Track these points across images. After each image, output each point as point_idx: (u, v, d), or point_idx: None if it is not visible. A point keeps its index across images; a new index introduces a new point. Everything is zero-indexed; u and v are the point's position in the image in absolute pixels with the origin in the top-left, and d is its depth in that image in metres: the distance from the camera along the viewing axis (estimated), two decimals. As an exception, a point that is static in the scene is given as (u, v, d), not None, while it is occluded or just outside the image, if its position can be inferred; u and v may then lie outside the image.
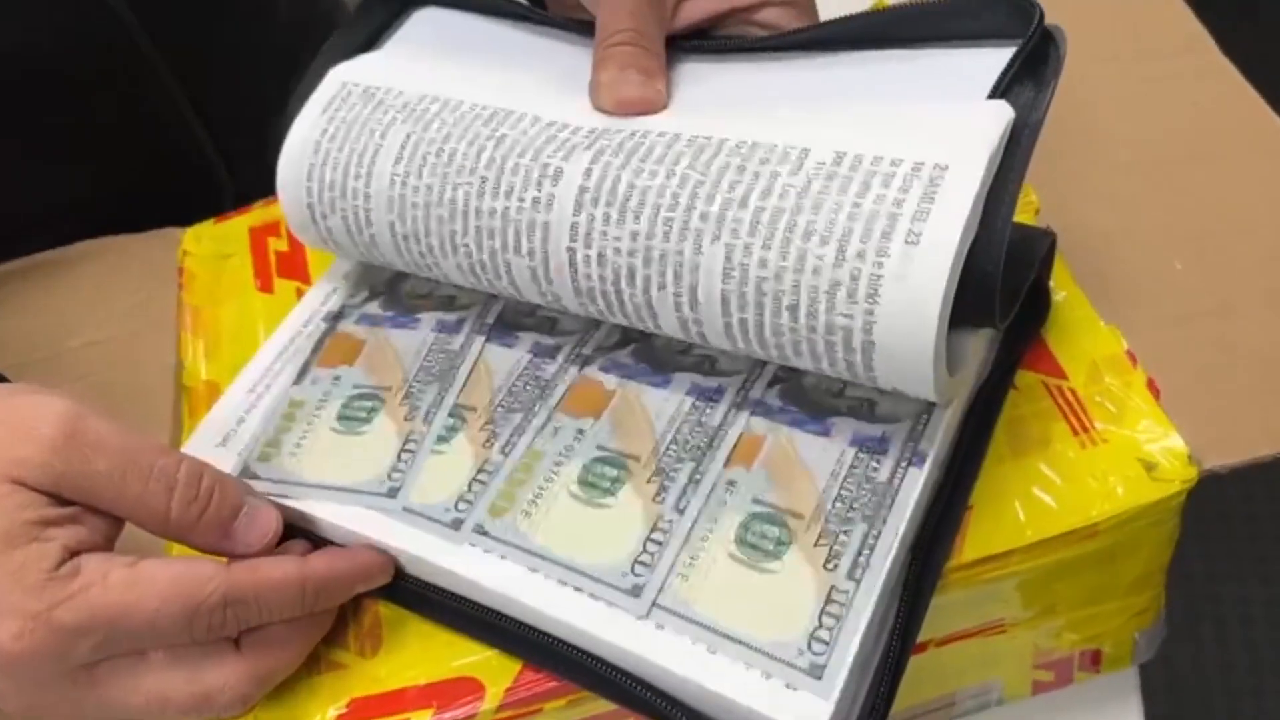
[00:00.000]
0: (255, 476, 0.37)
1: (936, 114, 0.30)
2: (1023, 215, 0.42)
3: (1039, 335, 0.38)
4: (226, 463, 0.38)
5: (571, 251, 0.34)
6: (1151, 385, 0.36)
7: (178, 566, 0.31)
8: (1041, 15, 0.31)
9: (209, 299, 0.47)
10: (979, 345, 0.34)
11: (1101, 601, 0.38)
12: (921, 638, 0.36)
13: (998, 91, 0.31)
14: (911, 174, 0.29)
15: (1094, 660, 0.40)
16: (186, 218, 0.51)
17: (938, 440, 0.33)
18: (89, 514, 0.31)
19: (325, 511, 0.36)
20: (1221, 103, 0.47)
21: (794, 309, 0.30)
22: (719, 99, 0.35)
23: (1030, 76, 0.31)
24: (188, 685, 0.32)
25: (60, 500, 0.31)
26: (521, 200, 0.34)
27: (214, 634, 0.31)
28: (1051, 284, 0.39)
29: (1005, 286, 0.30)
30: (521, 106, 0.36)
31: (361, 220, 0.38)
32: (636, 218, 0.32)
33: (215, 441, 0.39)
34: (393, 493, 0.36)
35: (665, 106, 0.36)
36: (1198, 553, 1.12)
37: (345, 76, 0.40)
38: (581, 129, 0.35)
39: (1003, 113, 0.30)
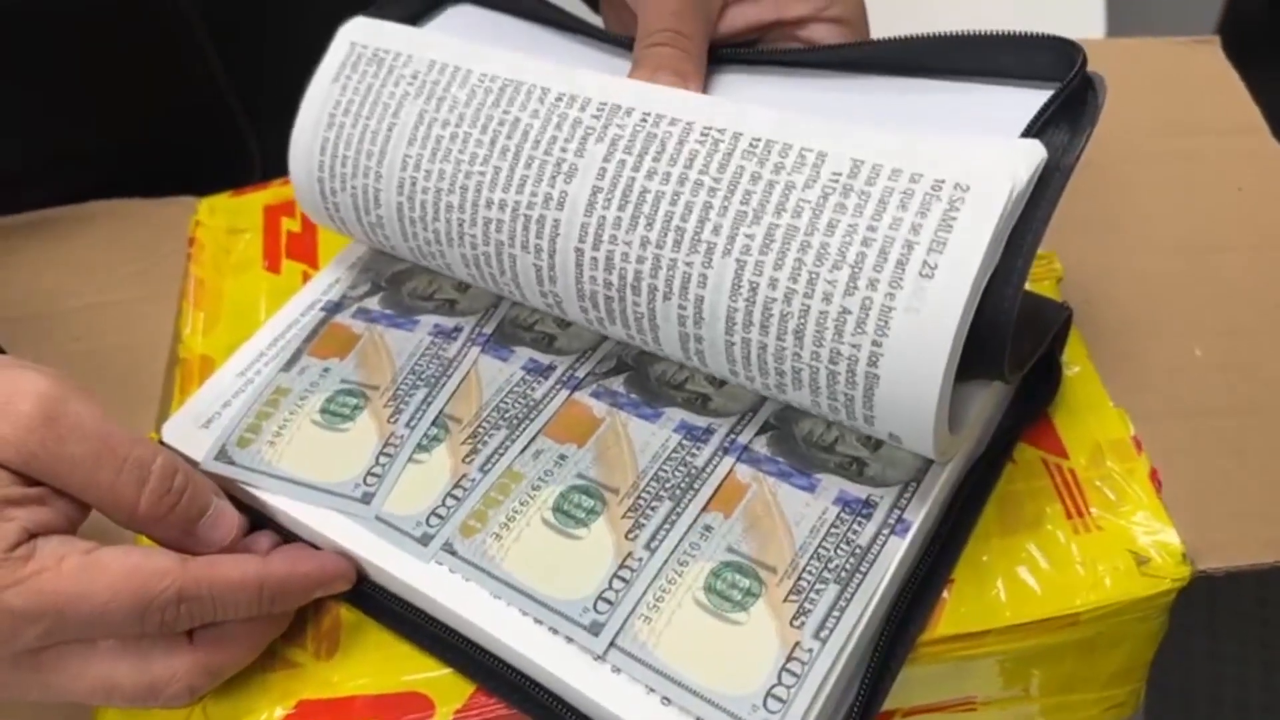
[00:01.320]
0: (231, 461, 0.37)
1: (965, 142, 0.29)
2: (1045, 284, 0.41)
3: (1045, 410, 0.37)
4: (206, 445, 0.37)
5: (579, 252, 0.33)
6: (1154, 475, 0.35)
7: (134, 558, 0.30)
8: (1084, 60, 0.30)
9: (215, 272, 0.47)
10: (982, 408, 0.33)
11: (1078, 691, 0.37)
12: (888, 706, 0.35)
13: (1032, 131, 0.30)
14: (931, 194, 0.28)
15: (1065, 747, 0.39)
16: (211, 185, 0.50)
17: (924, 511, 0.32)
18: (56, 497, 0.31)
19: (295, 509, 0.35)
20: (1267, 189, 0.45)
21: (800, 333, 0.29)
22: None
23: (1066, 120, 0.30)
24: (136, 674, 0.31)
25: (28, 480, 0.30)
26: (534, 195, 0.34)
27: (166, 629, 0.31)
28: (1065, 358, 0.38)
29: (1015, 342, 0.29)
30: (530, 78, 0.35)
31: (370, 200, 0.37)
32: (649, 224, 0.32)
33: (199, 423, 0.38)
34: (366, 498, 0.35)
35: None
36: (1202, 626, 1.10)
37: (353, 37, 0.39)
38: (591, 102, 0.34)
39: (1034, 151, 0.29)
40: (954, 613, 0.33)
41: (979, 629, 0.33)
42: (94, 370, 0.44)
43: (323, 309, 0.41)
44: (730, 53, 0.37)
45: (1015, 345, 0.29)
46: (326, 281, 0.42)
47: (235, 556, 0.33)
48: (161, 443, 0.38)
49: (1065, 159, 0.29)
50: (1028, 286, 0.40)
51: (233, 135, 0.58)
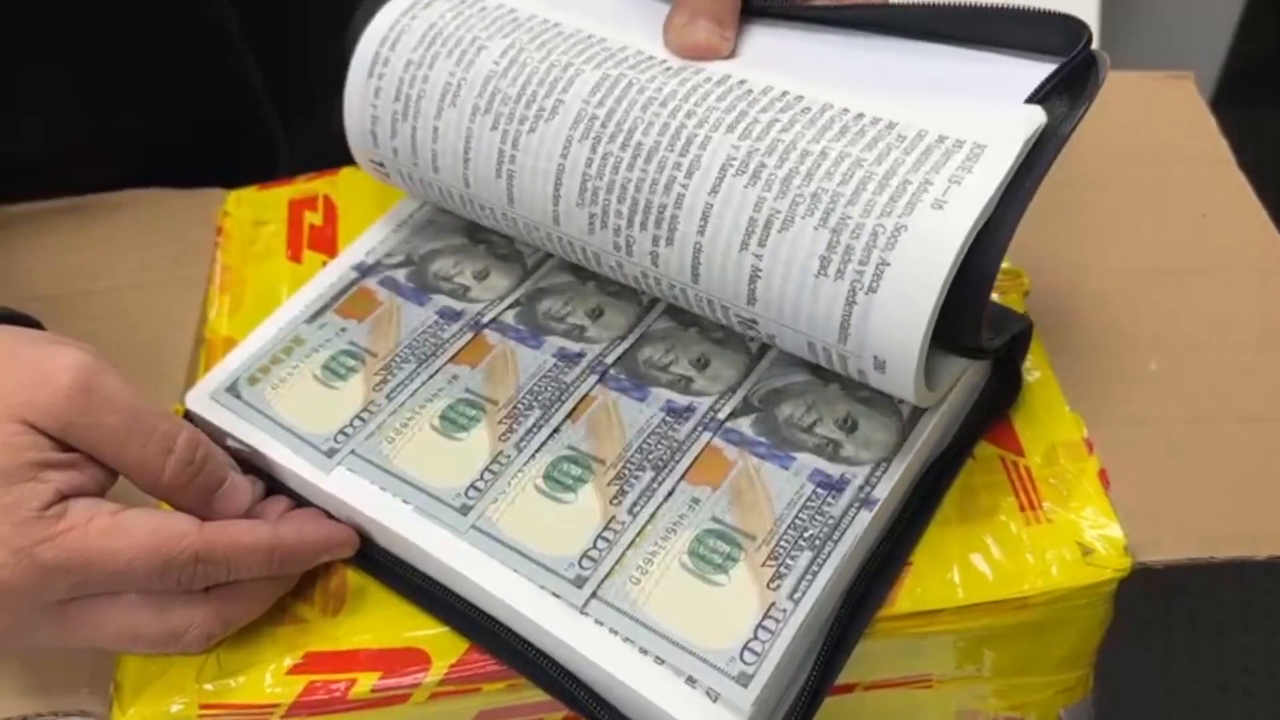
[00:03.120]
0: (238, 396, 0.40)
1: (975, 106, 0.32)
2: (1012, 296, 0.44)
3: (1005, 412, 0.40)
4: (225, 410, 0.40)
5: (586, 177, 0.36)
6: (1103, 475, 0.38)
7: (156, 520, 0.33)
8: (1090, 37, 0.33)
9: (240, 260, 0.50)
10: (954, 375, 0.36)
11: (1029, 673, 0.39)
12: (850, 680, 0.38)
13: (1036, 98, 0.32)
14: (952, 148, 0.31)
15: (1018, 729, 0.42)
16: (239, 178, 0.53)
17: (890, 488, 0.35)
18: (88, 463, 0.33)
19: (282, 456, 0.38)
20: (1229, 218, 0.48)
21: (812, 247, 0.32)
22: (775, 66, 0.37)
23: (1068, 92, 0.33)
24: (156, 623, 0.34)
25: (64, 446, 0.33)
26: (536, 120, 0.37)
27: (183, 585, 0.33)
28: (1027, 365, 0.41)
29: (980, 321, 0.32)
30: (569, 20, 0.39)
31: (412, 126, 0.41)
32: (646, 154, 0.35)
33: (226, 386, 0.41)
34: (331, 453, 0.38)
35: (730, 54, 0.37)
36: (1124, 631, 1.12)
37: None
38: (628, 48, 0.37)
39: (1035, 116, 0.32)
40: (911, 592, 0.36)
41: (934, 607, 0.36)
42: (123, 347, 0.46)
43: (354, 268, 0.44)
44: (760, 6, 0.39)
45: (983, 324, 0.32)
46: (358, 252, 0.45)
47: (249, 522, 0.36)
48: (187, 415, 0.41)
49: (1063, 128, 0.32)
50: (995, 298, 0.43)
51: (262, 132, 0.61)
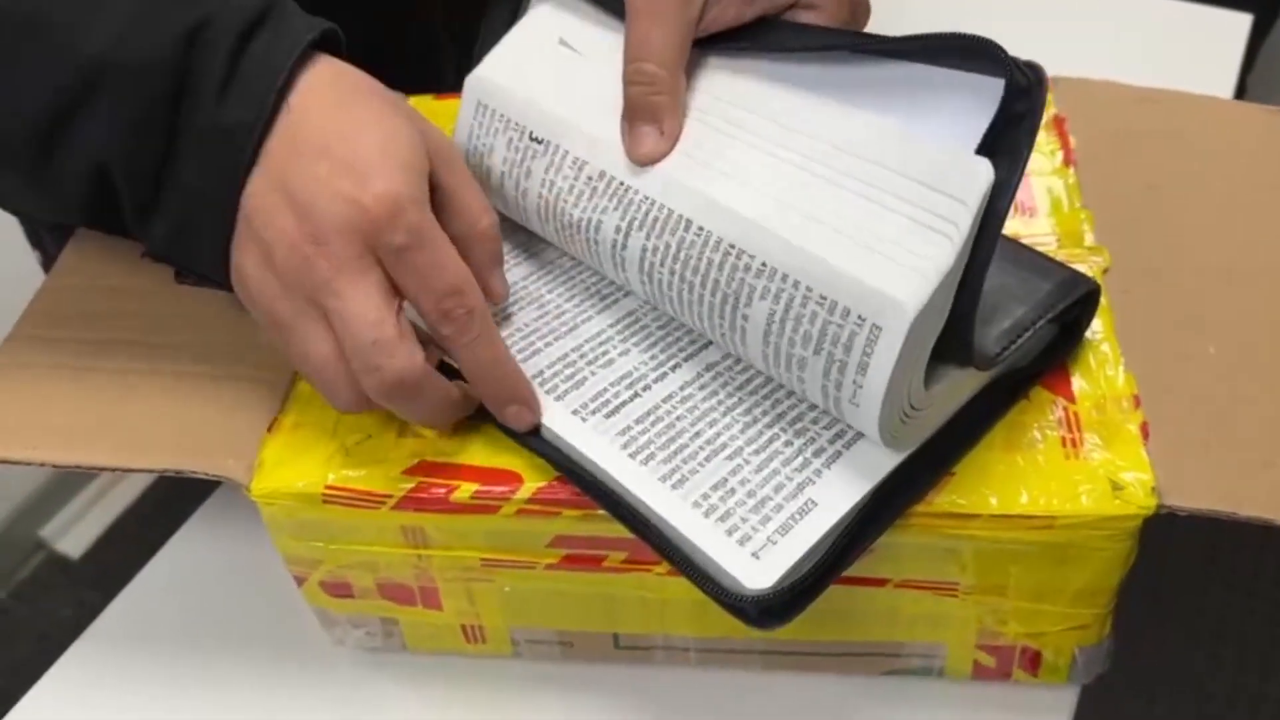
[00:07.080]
0: None
1: (899, 245, 0.36)
2: (1093, 271, 0.47)
3: (1064, 363, 0.44)
4: None
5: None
6: (1144, 428, 0.42)
7: (469, 275, 0.39)
8: (1010, 69, 0.34)
9: (411, 151, 0.57)
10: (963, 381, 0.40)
11: (1048, 600, 0.43)
12: (882, 574, 0.42)
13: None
14: (856, 325, 0.36)
15: (1034, 662, 0.46)
16: (412, 87, 0.60)
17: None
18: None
19: None
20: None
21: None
22: (725, 118, 0.42)
23: (1006, 150, 0.35)
24: (378, 336, 0.37)
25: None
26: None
27: (435, 325, 0.39)
28: (1094, 327, 0.45)
29: (1005, 325, 0.39)
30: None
31: None
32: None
33: None
34: None
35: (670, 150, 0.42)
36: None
37: (478, 96, 0.49)
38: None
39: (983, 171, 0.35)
40: (948, 497, 0.40)
41: (969, 512, 0.40)
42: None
43: None
44: (712, 45, 0.42)
45: (1006, 322, 0.39)
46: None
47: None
48: None
49: (1000, 203, 0.35)
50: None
51: (435, 72, 0.68)
